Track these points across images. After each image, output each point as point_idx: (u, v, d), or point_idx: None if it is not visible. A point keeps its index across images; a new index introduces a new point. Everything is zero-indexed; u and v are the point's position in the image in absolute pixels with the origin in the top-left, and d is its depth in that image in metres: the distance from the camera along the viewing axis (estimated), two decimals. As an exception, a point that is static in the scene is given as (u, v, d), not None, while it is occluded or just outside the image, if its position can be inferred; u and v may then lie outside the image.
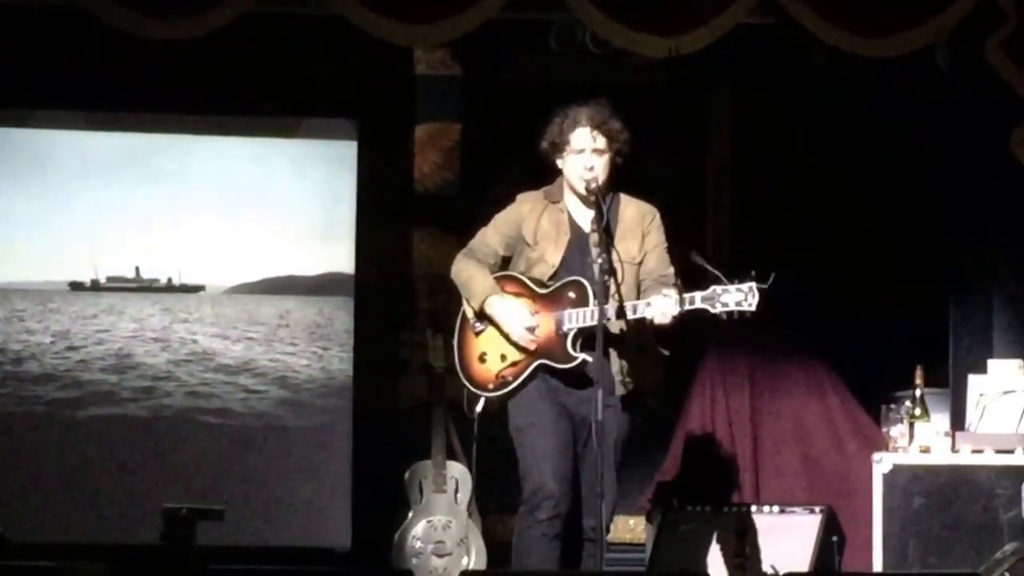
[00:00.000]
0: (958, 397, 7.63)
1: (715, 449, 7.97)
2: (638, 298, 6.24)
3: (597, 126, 6.27)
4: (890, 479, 7.18)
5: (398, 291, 8.81)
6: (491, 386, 6.35)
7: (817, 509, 7.67)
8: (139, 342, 8.80)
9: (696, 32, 7.16)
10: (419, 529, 8.00)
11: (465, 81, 8.82)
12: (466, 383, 6.41)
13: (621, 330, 6.25)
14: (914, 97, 8.33)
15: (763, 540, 7.46)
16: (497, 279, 6.38)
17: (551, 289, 6.30)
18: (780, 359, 8.14)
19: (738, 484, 7.92)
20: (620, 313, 6.17)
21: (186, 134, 8.80)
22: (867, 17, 7.10)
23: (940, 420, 7.45)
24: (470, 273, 6.40)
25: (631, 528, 8.41)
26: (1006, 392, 7.37)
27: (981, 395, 7.41)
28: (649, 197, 6.47)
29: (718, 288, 6.05)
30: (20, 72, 8.43)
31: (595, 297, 6.12)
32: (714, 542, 7.39)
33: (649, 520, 7.94)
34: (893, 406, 7.42)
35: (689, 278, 6.22)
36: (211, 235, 8.77)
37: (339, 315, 8.84)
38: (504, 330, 6.30)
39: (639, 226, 6.36)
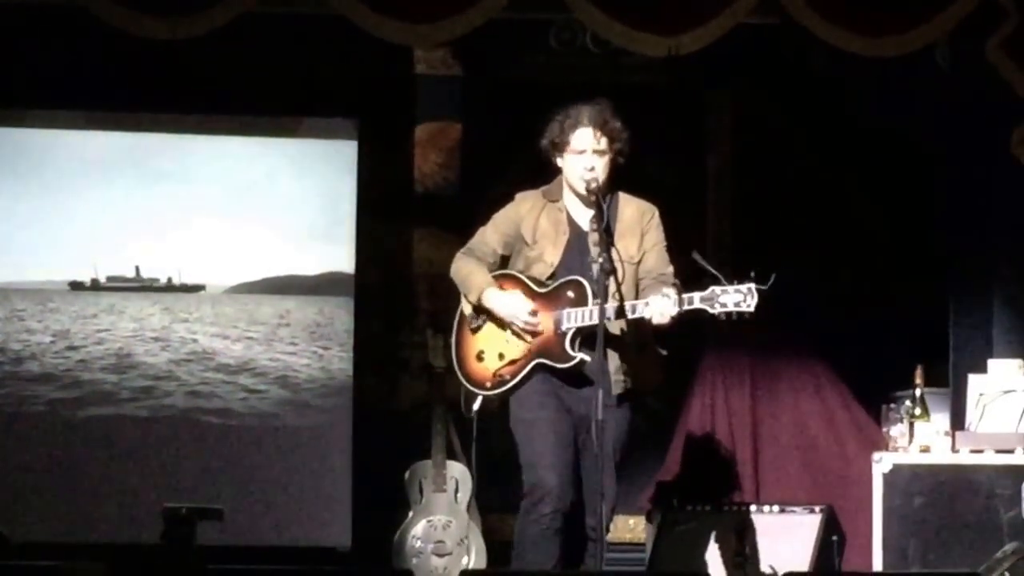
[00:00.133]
0: (958, 397, 7.63)
1: (715, 449, 7.97)
2: (637, 297, 6.24)
3: (598, 126, 6.27)
4: (890, 479, 7.18)
5: (398, 291, 8.81)
6: (488, 384, 6.34)
7: (817, 509, 7.67)
8: (139, 342, 8.80)
9: (696, 32, 7.16)
10: (419, 529, 8.00)
11: (465, 81, 8.82)
12: (463, 381, 6.41)
13: (620, 330, 6.25)
14: (914, 97, 8.33)
15: (763, 540, 7.46)
16: (495, 278, 6.38)
17: (550, 288, 6.30)
18: (780, 359, 8.13)
19: (738, 484, 7.92)
20: (619, 313, 6.17)
21: (186, 133, 8.80)
22: (867, 17, 7.10)
23: (940, 420, 7.44)
24: (469, 269, 6.40)
25: (631, 528, 8.42)
26: (1006, 392, 7.37)
27: (981, 395, 7.41)
28: (649, 197, 6.47)
29: (717, 289, 6.04)
30: (20, 72, 8.43)
31: (594, 296, 6.11)
32: (714, 542, 7.39)
33: (649, 520, 7.95)
34: (893, 406, 7.42)
35: (689, 278, 6.22)
36: (211, 235, 8.77)
37: (339, 315, 8.84)
38: (504, 319, 6.29)
39: (638, 225, 6.36)
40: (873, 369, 8.06)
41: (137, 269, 8.82)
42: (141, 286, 8.82)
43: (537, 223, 6.37)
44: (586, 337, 6.14)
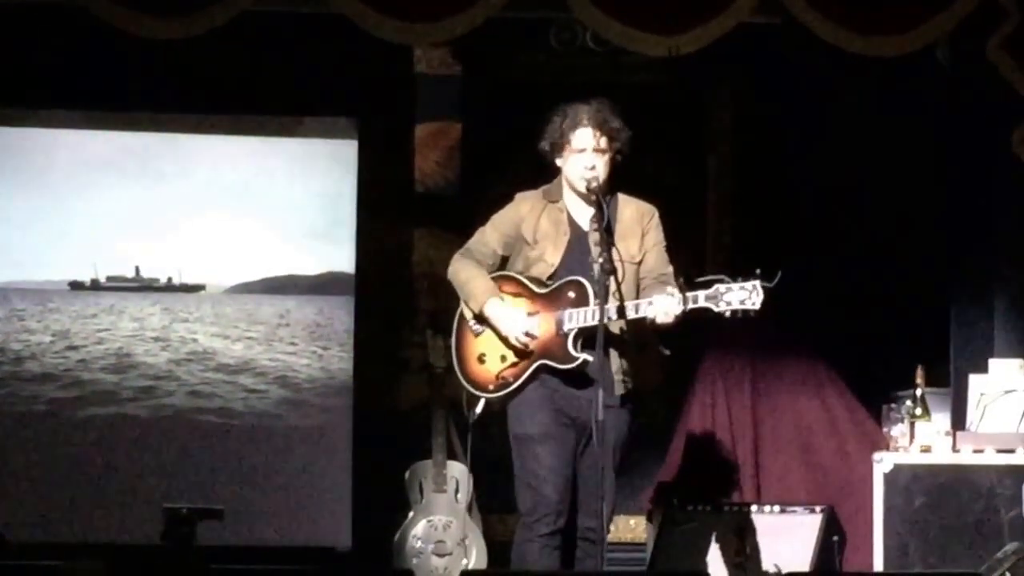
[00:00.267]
0: (959, 396, 7.63)
1: (715, 449, 7.96)
2: (638, 297, 6.23)
3: (598, 126, 6.26)
4: (891, 479, 7.18)
5: (398, 291, 8.81)
6: (491, 387, 6.32)
7: (818, 509, 7.67)
8: (139, 341, 8.80)
9: (696, 31, 7.16)
10: (419, 529, 8.00)
11: (465, 80, 8.82)
12: (465, 384, 6.38)
13: (621, 329, 6.24)
14: (914, 97, 8.32)
15: (764, 540, 7.46)
16: (495, 279, 6.36)
17: (551, 289, 6.29)
18: (780, 359, 8.13)
19: (738, 484, 7.92)
20: (620, 312, 6.16)
21: (186, 133, 8.80)
22: (868, 16, 7.10)
23: (941, 420, 7.44)
24: (468, 274, 6.37)
25: (632, 528, 8.42)
26: (1007, 392, 7.37)
27: (982, 395, 7.41)
28: (649, 197, 6.46)
29: (722, 287, 6.02)
30: (20, 72, 8.43)
31: (595, 296, 6.10)
32: (714, 542, 7.39)
33: (650, 520, 7.94)
34: (894, 405, 7.42)
35: (689, 279, 6.21)
36: (211, 234, 8.77)
37: (339, 315, 8.84)
38: (502, 335, 6.28)
39: (638, 225, 6.35)
40: (874, 369, 8.06)
41: (137, 269, 8.82)
42: (141, 286, 8.82)
43: (537, 223, 6.36)
44: (588, 337, 6.13)
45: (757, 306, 5.98)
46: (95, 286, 8.80)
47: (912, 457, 7.23)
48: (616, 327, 6.22)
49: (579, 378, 6.20)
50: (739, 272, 6.05)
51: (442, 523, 7.99)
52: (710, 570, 7.16)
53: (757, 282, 5.98)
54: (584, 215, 6.34)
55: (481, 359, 6.35)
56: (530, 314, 6.25)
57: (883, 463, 7.21)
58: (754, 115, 8.92)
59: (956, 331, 7.92)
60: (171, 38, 7.17)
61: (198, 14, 7.04)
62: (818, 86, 8.62)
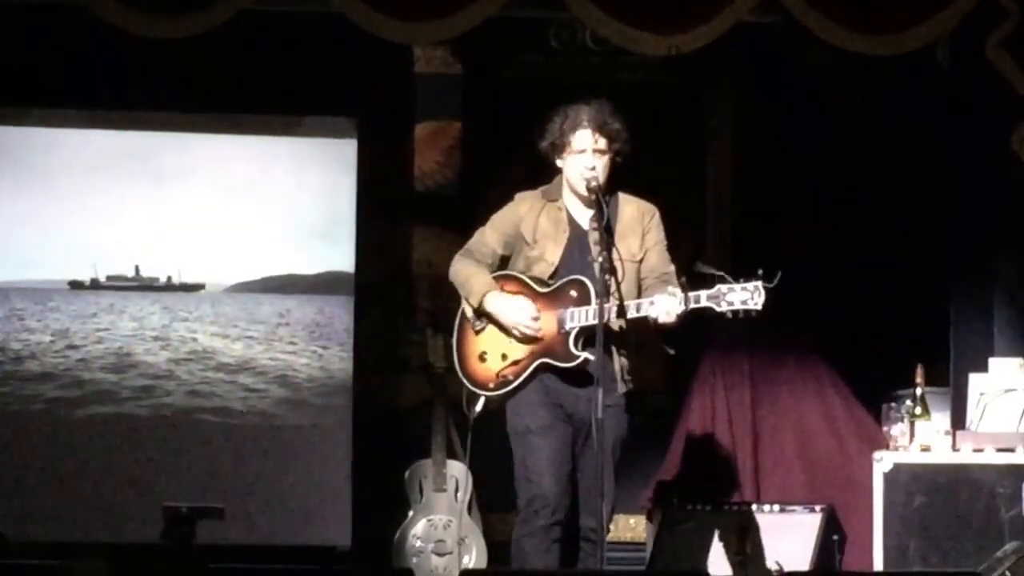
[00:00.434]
0: (959, 396, 7.62)
1: (715, 448, 7.96)
2: (639, 296, 6.24)
3: (598, 127, 6.26)
4: (891, 478, 7.18)
5: (398, 290, 8.81)
6: (491, 385, 6.33)
7: (818, 508, 7.67)
8: (139, 341, 8.80)
9: (696, 31, 7.17)
10: (419, 528, 8.00)
11: (465, 79, 8.82)
12: (466, 382, 6.39)
13: (622, 328, 6.24)
14: (914, 97, 8.32)
15: (764, 539, 7.45)
16: (496, 278, 6.37)
17: (552, 288, 6.29)
18: (780, 358, 8.13)
19: (738, 483, 7.91)
20: (621, 312, 6.17)
21: (186, 132, 8.79)
22: (868, 15, 7.11)
23: (941, 419, 7.44)
24: (468, 272, 6.38)
25: (632, 527, 8.42)
26: (1007, 391, 7.37)
27: (982, 394, 7.40)
28: (649, 197, 6.46)
29: (723, 287, 6.03)
30: (20, 71, 8.42)
31: (596, 295, 6.10)
32: (715, 541, 7.38)
33: (650, 519, 7.94)
34: (894, 405, 7.41)
35: (689, 279, 6.21)
36: (211, 234, 8.77)
37: (339, 314, 8.84)
38: (506, 324, 6.28)
39: (639, 224, 6.35)
40: (873, 368, 8.05)
41: (137, 268, 8.82)
42: (141, 285, 8.82)
43: (537, 223, 6.36)
44: (590, 336, 6.13)
45: (759, 307, 6.00)
46: (95, 285, 8.80)
47: (912, 456, 7.22)
48: (617, 326, 6.22)
49: (580, 377, 6.21)
50: (740, 272, 6.05)
51: (442, 522, 7.99)
52: (710, 569, 7.16)
53: (759, 283, 5.99)
54: (584, 214, 6.34)
55: (482, 357, 6.35)
56: (533, 319, 6.26)
57: (883, 462, 7.21)
58: (754, 115, 8.92)
59: (956, 331, 7.92)
60: (171, 38, 7.17)
61: (198, 14, 7.05)
62: (818, 86, 8.62)
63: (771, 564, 7.31)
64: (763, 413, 8.04)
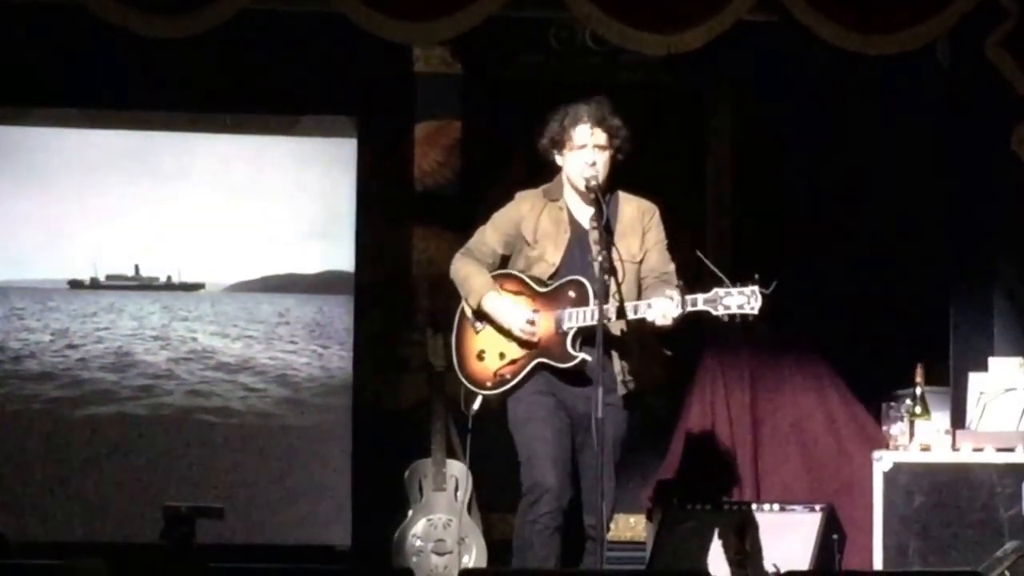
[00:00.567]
0: (959, 395, 7.63)
1: (715, 447, 7.96)
2: (639, 296, 6.24)
3: (598, 122, 6.27)
4: (890, 477, 7.18)
5: (398, 289, 8.80)
6: (489, 384, 6.34)
7: (817, 507, 7.67)
8: (139, 340, 8.79)
9: (696, 30, 7.16)
10: (419, 527, 7.99)
11: (465, 79, 8.82)
12: (464, 381, 6.41)
13: (621, 330, 6.24)
14: (914, 97, 8.32)
15: (763, 538, 7.45)
16: (496, 277, 6.37)
17: (551, 288, 6.29)
18: (780, 357, 8.13)
19: (738, 482, 7.91)
20: (620, 313, 6.17)
21: (185, 132, 8.79)
22: (867, 14, 7.10)
23: (941, 418, 7.43)
24: (468, 271, 6.39)
25: (632, 526, 8.42)
26: (1007, 390, 7.37)
27: (982, 393, 7.40)
28: (649, 196, 6.46)
29: (720, 290, 6.04)
30: (20, 71, 8.42)
31: (595, 296, 6.10)
32: (715, 540, 7.38)
33: (650, 518, 7.94)
34: (893, 404, 7.41)
35: (690, 278, 6.21)
36: (211, 233, 8.77)
37: (339, 313, 8.84)
38: (503, 326, 6.29)
39: (639, 223, 6.36)
40: (873, 368, 8.05)
41: (136, 268, 8.82)
42: (140, 285, 8.82)
43: (538, 222, 6.36)
44: (587, 337, 6.14)
45: (755, 311, 6.02)
46: (95, 285, 8.80)
47: (912, 456, 7.23)
48: (617, 327, 6.22)
49: (579, 377, 6.21)
50: (737, 276, 6.06)
51: (442, 522, 7.99)
52: (710, 568, 7.16)
53: (756, 287, 6.01)
54: (585, 214, 6.34)
55: (480, 356, 6.36)
56: (528, 322, 6.26)
57: (883, 462, 7.21)
58: (753, 114, 8.92)
59: (956, 330, 7.92)
60: (171, 37, 7.17)
61: (198, 14, 7.05)
62: (818, 85, 8.62)
63: (768, 567, 7.30)
64: (763, 413, 8.04)
